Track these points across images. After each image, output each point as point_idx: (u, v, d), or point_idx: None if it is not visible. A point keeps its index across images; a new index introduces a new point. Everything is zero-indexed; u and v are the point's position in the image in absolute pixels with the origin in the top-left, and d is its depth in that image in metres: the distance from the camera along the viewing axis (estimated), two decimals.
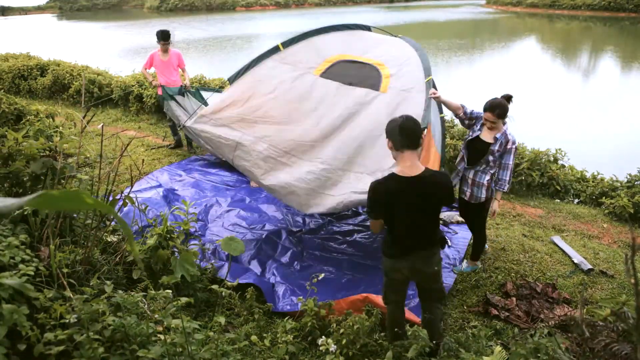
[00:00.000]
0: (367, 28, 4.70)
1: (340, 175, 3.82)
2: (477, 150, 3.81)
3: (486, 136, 3.77)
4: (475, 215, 4.05)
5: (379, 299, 3.29)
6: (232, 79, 4.39)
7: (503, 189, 3.82)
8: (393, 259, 2.84)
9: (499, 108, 3.62)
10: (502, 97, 3.73)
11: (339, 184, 3.79)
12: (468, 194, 3.92)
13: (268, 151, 4.02)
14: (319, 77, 4.25)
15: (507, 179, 3.80)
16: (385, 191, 2.62)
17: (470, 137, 3.89)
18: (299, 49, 4.44)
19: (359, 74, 4.18)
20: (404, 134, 2.58)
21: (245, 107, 4.24)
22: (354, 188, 3.67)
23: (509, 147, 3.71)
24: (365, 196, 2.75)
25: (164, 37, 6.85)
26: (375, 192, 2.65)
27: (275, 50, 4.42)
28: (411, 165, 2.60)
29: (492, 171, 3.80)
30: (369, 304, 3.27)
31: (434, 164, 3.43)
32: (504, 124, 3.77)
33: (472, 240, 4.32)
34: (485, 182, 3.81)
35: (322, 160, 3.90)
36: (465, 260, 4.32)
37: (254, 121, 4.20)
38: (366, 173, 3.75)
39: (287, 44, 4.47)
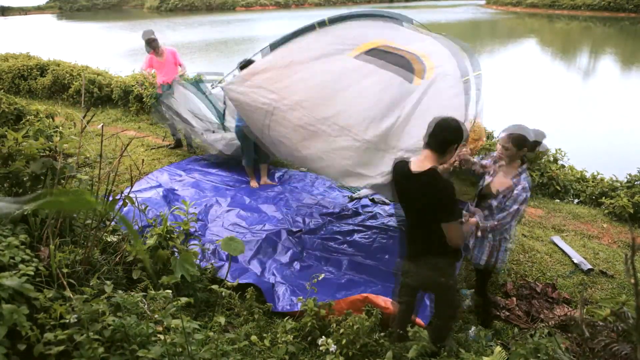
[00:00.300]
0: (409, 21, 4.46)
1: (375, 154, 3.69)
2: (482, 198, 3.24)
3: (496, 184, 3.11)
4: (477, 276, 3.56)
5: (378, 299, 3.29)
6: (274, 46, 4.29)
7: (484, 223, 3.06)
8: (403, 260, 2.85)
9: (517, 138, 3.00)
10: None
11: (375, 163, 3.68)
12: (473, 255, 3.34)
13: (304, 120, 3.86)
14: (354, 58, 4.06)
15: (497, 219, 3.06)
16: (395, 171, 2.69)
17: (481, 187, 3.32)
18: (336, 29, 4.31)
19: (397, 61, 3.99)
20: (433, 132, 2.56)
21: (283, 72, 4.11)
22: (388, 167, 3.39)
23: (515, 192, 3.02)
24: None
25: (149, 45, 6.87)
26: (393, 169, 2.75)
27: (312, 28, 4.31)
28: (422, 161, 2.59)
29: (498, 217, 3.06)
30: (368, 304, 3.27)
31: None
32: (523, 163, 3.13)
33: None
34: (487, 244, 3.21)
35: (357, 138, 3.73)
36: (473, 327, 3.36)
37: (292, 87, 4.04)
38: (402, 153, 3.60)
39: (324, 24, 4.33)
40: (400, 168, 2.68)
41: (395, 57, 3.99)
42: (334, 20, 4.32)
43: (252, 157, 5.89)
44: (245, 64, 5.22)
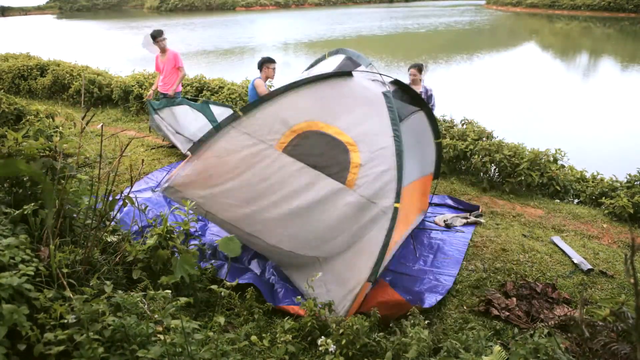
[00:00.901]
0: (349, 73, 3.91)
1: (302, 259, 3.61)
2: None
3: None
4: None
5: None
6: (193, 149, 3.85)
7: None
8: None
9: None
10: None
11: (301, 268, 3.64)
12: None
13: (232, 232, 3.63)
14: (282, 152, 3.65)
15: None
16: None
17: None
18: (261, 114, 3.76)
19: (326, 154, 3.59)
20: None
21: (206, 189, 3.76)
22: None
23: (430, 93, 5.81)
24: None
25: (153, 36, 6.90)
26: None
27: (235, 117, 3.78)
28: None
29: None
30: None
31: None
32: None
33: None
34: None
35: (280, 243, 3.61)
36: None
37: (217, 206, 3.74)
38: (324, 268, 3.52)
39: (248, 108, 3.79)
40: None
41: (328, 142, 3.63)
42: (249, 109, 3.79)
43: None
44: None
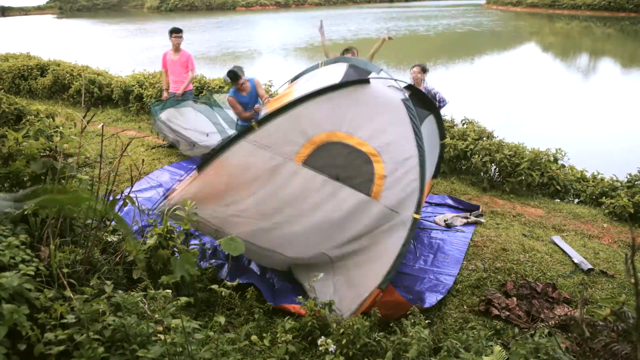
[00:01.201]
0: (366, 80, 3.73)
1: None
2: None
3: None
4: None
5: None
6: (200, 166, 3.70)
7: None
8: None
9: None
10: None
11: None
12: None
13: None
14: (302, 165, 3.52)
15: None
16: None
17: None
18: (277, 125, 3.59)
19: (348, 165, 3.48)
20: None
21: (217, 206, 3.62)
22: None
23: (432, 92, 5.68)
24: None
25: (171, 31, 6.93)
26: None
27: (249, 130, 3.63)
28: None
29: None
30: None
31: None
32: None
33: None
34: None
35: (300, 254, 3.58)
36: None
37: (230, 223, 3.63)
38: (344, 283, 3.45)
39: (264, 120, 3.63)
40: None
41: (349, 153, 3.52)
42: (265, 121, 3.65)
43: None
44: (232, 75, 5.23)
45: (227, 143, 3.68)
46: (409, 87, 4.17)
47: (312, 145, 3.53)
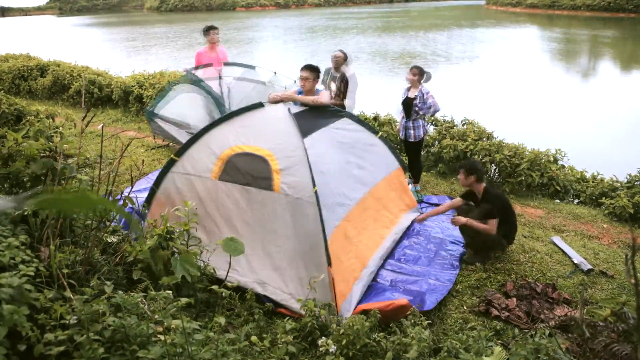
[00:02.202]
0: (260, 105, 4.33)
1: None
2: (407, 106, 5.68)
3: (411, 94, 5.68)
4: (418, 149, 5.88)
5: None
6: (147, 201, 4.23)
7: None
8: None
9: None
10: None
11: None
12: (413, 135, 5.73)
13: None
14: (218, 180, 4.03)
15: (426, 112, 5.71)
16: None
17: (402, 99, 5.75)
18: (192, 153, 4.18)
19: (252, 169, 3.97)
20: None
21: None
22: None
23: (424, 96, 5.61)
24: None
25: (210, 27, 7.04)
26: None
27: (172, 162, 4.20)
28: None
29: (421, 113, 5.69)
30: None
31: None
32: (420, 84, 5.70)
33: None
34: (420, 124, 5.76)
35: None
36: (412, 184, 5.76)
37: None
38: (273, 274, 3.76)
39: (181, 152, 4.21)
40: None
41: (251, 160, 3.98)
42: (182, 152, 4.20)
43: None
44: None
45: (158, 178, 4.24)
46: (303, 105, 4.59)
47: (221, 161, 4.05)
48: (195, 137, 4.22)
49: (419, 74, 5.73)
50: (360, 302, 3.74)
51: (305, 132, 4.04)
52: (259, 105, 4.31)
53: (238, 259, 3.69)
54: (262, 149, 3.99)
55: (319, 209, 3.65)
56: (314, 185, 3.71)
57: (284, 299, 3.63)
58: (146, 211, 4.20)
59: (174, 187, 4.19)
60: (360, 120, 4.97)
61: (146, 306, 2.12)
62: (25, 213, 2.46)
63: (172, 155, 4.25)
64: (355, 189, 4.29)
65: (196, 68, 7.13)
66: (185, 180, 4.16)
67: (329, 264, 3.54)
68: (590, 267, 4.29)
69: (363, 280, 3.89)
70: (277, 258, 3.78)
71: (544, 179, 6.11)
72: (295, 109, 4.40)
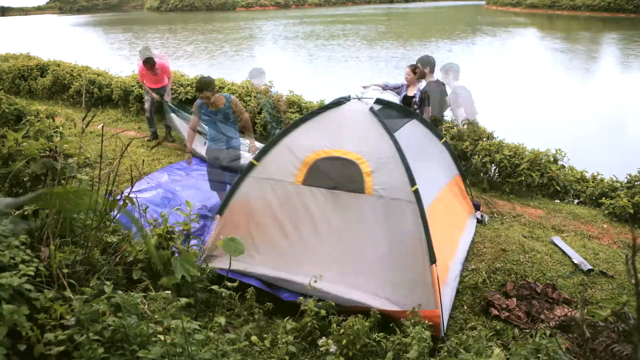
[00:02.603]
0: (338, 103, 4.16)
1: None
2: (406, 105, 5.64)
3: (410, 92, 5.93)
4: None
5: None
6: (220, 210, 4.17)
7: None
8: None
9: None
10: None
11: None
12: None
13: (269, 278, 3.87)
14: (302, 185, 3.94)
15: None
16: None
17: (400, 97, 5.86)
18: (273, 157, 4.08)
19: (340, 173, 3.87)
20: None
21: (244, 238, 3.79)
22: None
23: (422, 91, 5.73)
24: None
25: (148, 62, 7.15)
26: None
27: (251, 166, 4.11)
28: None
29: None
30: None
31: None
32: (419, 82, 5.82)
33: None
34: None
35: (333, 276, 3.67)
36: None
37: (256, 249, 3.98)
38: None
39: (260, 156, 4.12)
40: None
41: (339, 163, 3.88)
42: (260, 156, 4.10)
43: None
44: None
45: (236, 183, 4.14)
46: (378, 102, 4.42)
47: (306, 166, 3.96)
48: (275, 141, 4.12)
49: (420, 70, 5.72)
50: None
51: (392, 130, 3.93)
52: (337, 103, 4.15)
53: (322, 265, 3.67)
54: (349, 152, 3.88)
55: (421, 207, 3.54)
56: (414, 183, 3.61)
57: (381, 303, 3.46)
58: (218, 216, 4.17)
59: (252, 192, 4.08)
60: (428, 123, 4.91)
61: (146, 306, 2.12)
62: (25, 213, 2.46)
63: (251, 159, 4.15)
64: (429, 191, 4.12)
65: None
66: (265, 185, 4.05)
67: (433, 261, 3.43)
68: (590, 267, 4.29)
69: (450, 284, 3.80)
70: (367, 262, 3.65)
71: (544, 179, 6.10)
72: (376, 106, 4.20)
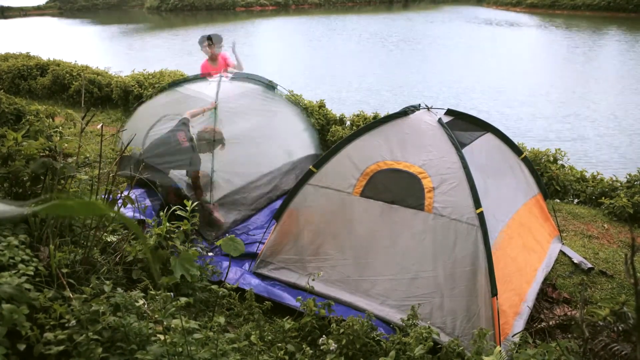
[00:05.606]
0: (405, 113, 3.93)
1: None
2: None
3: None
4: None
5: None
6: (277, 216, 4.08)
7: None
8: None
9: None
10: None
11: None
12: None
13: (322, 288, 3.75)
14: (360, 197, 3.80)
15: None
16: None
17: None
18: (332, 165, 3.94)
19: (400, 187, 3.70)
20: None
21: (297, 246, 4.00)
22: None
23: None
24: None
25: (209, 38, 6.75)
26: None
27: (309, 174, 3.98)
28: None
29: None
30: None
31: None
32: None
33: None
34: None
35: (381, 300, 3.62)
36: None
37: (308, 260, 3.94)
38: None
39: (319, 164, 3.97)
40: None
41: (400, 176, 3.73)
42: (320, 164, 3.96)
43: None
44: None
45: (294, 189, 4.04)
46: (449, 112, 4.15)
47: (366, 177, 3.81)
48: (336, 149, 3.96)
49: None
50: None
51: (461, 144, 3.68)
52: (403, 113, 3.92)
53: (375, 284, 3.59)
54: (412, 165, 3.68)
55: (485, 232, 3.27)
56: (478, 205, 3.35)
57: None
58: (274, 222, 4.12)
59: (309, 200, 3.98)
60: (506, 137, 4.45)
61: (145, 306, 2.12)
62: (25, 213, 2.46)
63: (310, 167, 4.02)
64: (502, 212, 3.88)
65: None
66: (321, 193, 3.93)
67: (495, 294, 3.17)
68: (590, 266, 4.29)
69: (524, 315, 3.50)
70: (421, 285, 3.47)
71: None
72: (445, 118, 3.99)
